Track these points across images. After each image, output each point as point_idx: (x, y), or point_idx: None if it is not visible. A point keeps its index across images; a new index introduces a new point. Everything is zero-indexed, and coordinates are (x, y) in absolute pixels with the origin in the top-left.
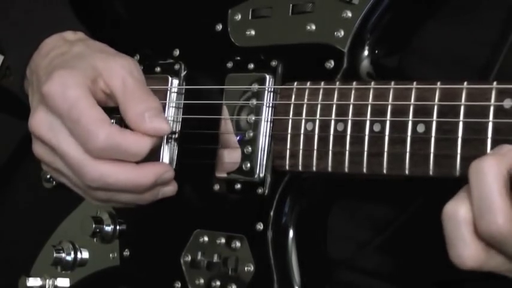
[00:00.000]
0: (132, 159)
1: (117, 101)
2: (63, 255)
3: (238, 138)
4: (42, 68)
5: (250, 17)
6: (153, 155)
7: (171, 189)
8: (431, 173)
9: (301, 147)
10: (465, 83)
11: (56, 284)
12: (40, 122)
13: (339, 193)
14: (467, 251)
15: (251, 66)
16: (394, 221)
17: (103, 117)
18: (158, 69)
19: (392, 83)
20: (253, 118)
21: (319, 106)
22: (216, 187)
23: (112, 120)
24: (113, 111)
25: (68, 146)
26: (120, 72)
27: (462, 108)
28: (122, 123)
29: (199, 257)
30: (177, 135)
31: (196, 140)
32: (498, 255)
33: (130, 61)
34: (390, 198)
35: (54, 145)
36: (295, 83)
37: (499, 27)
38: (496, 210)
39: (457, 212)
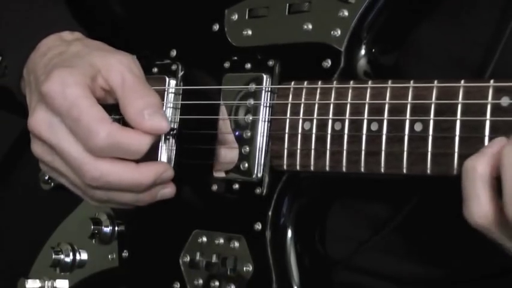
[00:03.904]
0: (132, 157)
1: (116, 97)
2: (62, 256)
3: (236, 134)
4: (40, 67)
5: (247, 17)
6: (152, 156)
7: (169, 191)
8: (429, 171)
9: (298, 146)
10: (462, 81)
11: (55, 285)
12: (39, 120)
13: (336, 193)
14: (479, 207)
15: (248, 66)
16: (391, 220)
17: (103, 116)
18: (155, 69)
19: (390, 81)
20: (251, 118)
21: (316, 105)
22: (214, 187)
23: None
24: (113, 110)
25: (68, 145)
26: (119, 67)
27: (459, 106)
28: (121, 121)
29: (198, 257)
30: (175, 133)
31: (194, 140)
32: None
33: (129, 57)
34: (389, 197)
35: (54, 144)
36: (293, 83)
37: (494, 27)
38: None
39: (475, 167)
